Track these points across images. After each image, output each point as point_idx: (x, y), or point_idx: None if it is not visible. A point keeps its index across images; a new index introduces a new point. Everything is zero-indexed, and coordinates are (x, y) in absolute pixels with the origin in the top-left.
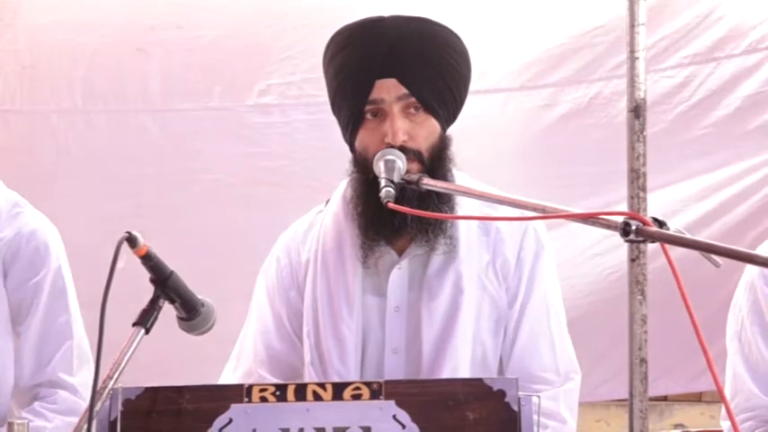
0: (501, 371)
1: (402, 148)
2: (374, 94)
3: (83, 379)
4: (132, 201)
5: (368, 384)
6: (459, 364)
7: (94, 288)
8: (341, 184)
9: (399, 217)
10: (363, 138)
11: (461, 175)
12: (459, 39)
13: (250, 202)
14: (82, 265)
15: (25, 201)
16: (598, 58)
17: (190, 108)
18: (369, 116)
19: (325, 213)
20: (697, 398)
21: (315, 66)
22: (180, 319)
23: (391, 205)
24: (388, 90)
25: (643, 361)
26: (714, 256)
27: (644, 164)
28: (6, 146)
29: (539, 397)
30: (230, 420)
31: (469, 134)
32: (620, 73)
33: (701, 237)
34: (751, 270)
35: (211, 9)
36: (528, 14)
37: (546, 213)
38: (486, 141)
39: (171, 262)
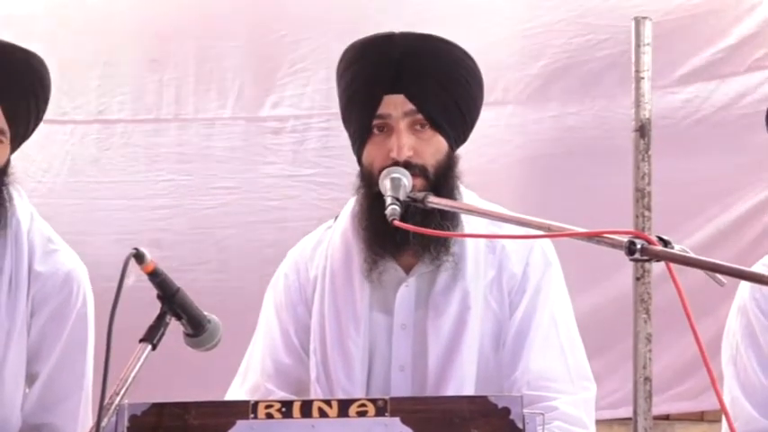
0: (501, 384)
1: (407, 164)
2: (381, 109)
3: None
4: (146, 210)
5: (373, 401)
6: (465, 381)
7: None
8: (350, 201)
9: (401, 233)
10: (370, 152)
11: (469, 194)
12: (471, 59)
13: (262, 213)
14: (97, 275)
15: (58, 236)
16: (603, 72)
17: (203, 119)
18: (376, 131)
19: (333, 230)
20: (699, 417)
21: (327, 77)
22: (186, 335)
23: (397, 223)
24: (395, 106)
25: (647, 379)
26: (719, 276)
27: (649, 183)
28: (21, 157)
29: (543, 415)
30: None
31: (476, 146)
32: (624, 88)
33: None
34: (742, 294)
35: (225, 20)
36: (534, 28)
37: (551, 232)
38: (491, 153)
39: (184, 271)
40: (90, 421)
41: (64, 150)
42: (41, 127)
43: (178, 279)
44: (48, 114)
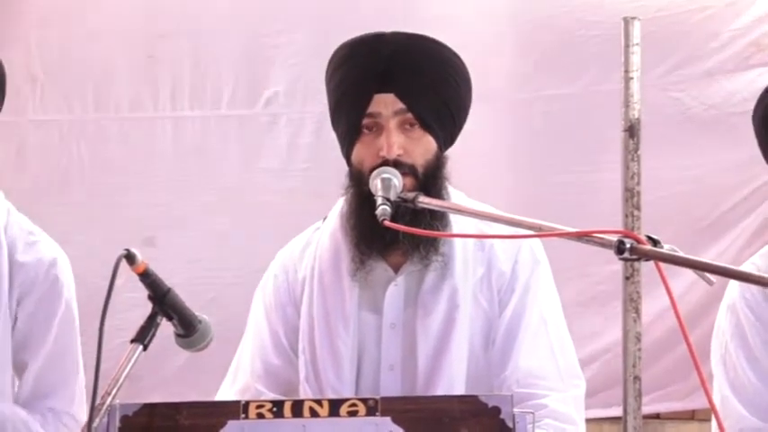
0: (491, 383)
1: (396, 163)
2: (372, 108)
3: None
4: (143, 206)
5: (364, 401)
6: (454, 380)
7: (112, 297)
8: (338, 202)
9: (391, 233)
10: (359, 151)
11: (457, 194)
12: (460, 60)
13: (256, 208)
14: (93, 271)
15: (38, 228)
16: (595, 65)
17: (199, 115)
18: (365, 130)
19: (322, 231)
20: (690, 416)
21: (320, 74)
22: (177, 335)
23: (387, 223)
24: (386, 104)
25: (637, 378)
26: (708, 274)
27: (638, 183)
28: (19, 155)
29: (533, 414)
30: None
31: (466, 141)
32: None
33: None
34: (731, 293)
35: (220, 17)
36: (524, 22)
37: (540, 231)
38: (482, 148)
39: (179, 265)
40: (86, 406)
41: (60, 148)
42: (38, 123)
43: (173, 276)
44: (46, 112)
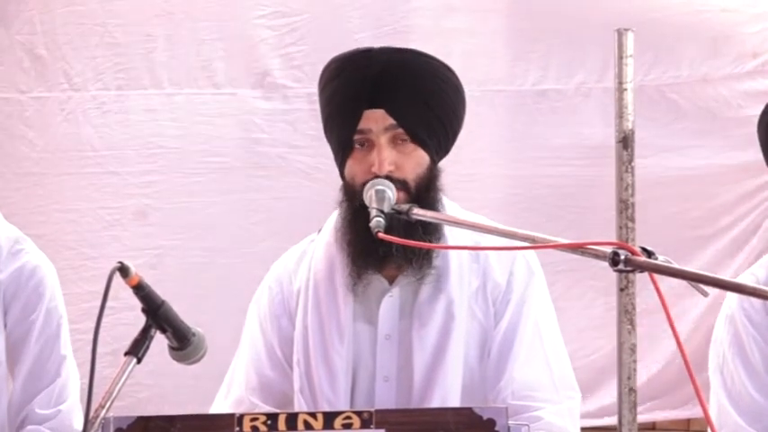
0: (486, 394)
1: (388, 178)
2: (362, 125)
3: (67, 406)
4: (139, 181)
5: (358, 414)
6: (450, 391)
7: (104, 267)
8: (333, 214)
9: (385, 246)
10: (351, 167)
11: (451, 205)
12: (450, 71)
13: (251, 186)
14: (83, 245)
15: (26, 237)
16: (590, 58)
17: (196, 93)
18: (357, 146)
19: (317, 242)
20: (685, 426)
21: (317, 55)
22: (171, 348)
23: (381, 235)
24: (376, 120)
25: (632, 390)
26: (702, 286)
27: (632, 194)
28: (22, 131)
29: (528, 426)
30: None
31: (465, 142)
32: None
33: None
34: (730, 303)
35: None
36: (521, 17)
37: (535, 243)
38: (473, 141)
39: (175, 242)
40: (65, 402)
41: (56, 121)
42: (37, 98)
43: (163, 250)
44: (49, 91)
